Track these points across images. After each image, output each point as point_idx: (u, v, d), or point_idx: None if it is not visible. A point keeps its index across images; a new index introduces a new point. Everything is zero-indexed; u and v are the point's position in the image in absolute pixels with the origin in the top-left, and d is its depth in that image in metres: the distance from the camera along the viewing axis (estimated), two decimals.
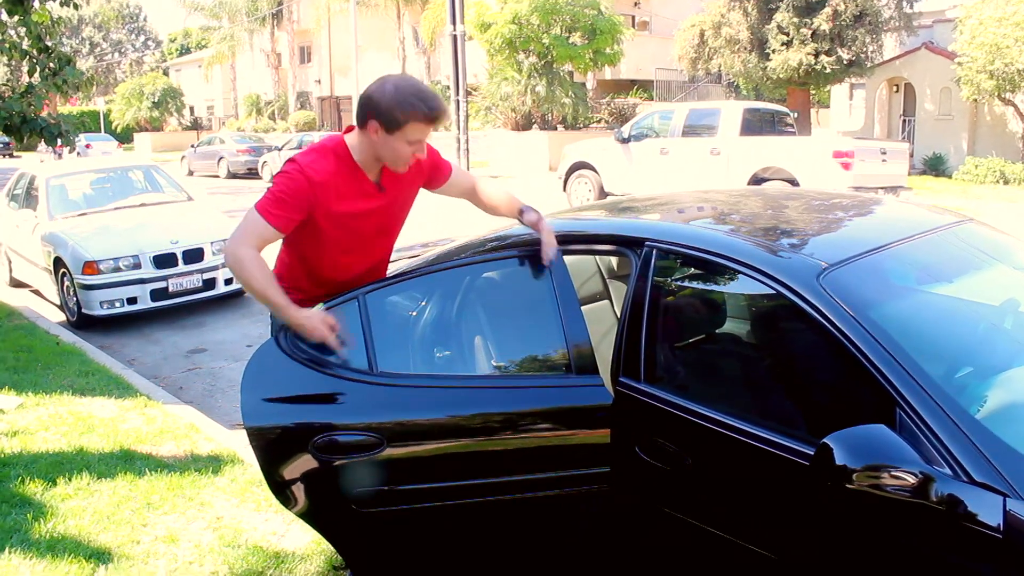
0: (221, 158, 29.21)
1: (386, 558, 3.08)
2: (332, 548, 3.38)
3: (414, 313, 3.24)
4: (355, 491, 2.87)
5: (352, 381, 2.88)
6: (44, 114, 9.35)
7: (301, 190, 2.77)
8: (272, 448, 2.94)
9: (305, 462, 2.88)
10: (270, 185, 2.86)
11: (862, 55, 21.98)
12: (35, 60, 9.05)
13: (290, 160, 2.86)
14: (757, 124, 14.45)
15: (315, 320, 2.81)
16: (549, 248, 2.88)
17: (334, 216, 2.86)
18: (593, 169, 15.87)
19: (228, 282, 8.78)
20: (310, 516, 3.07)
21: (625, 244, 2.89)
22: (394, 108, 2.68)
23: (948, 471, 1.98)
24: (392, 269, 3.33)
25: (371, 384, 2.87)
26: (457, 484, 2.82)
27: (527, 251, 2.97)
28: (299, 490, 2.96)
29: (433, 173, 3.14)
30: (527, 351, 3.13)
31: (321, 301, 2.98)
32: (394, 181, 2.96)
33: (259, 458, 2.95)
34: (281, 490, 2.99)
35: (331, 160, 2.85)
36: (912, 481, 1.94)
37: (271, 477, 2.97)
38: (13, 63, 11.69)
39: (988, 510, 1.92)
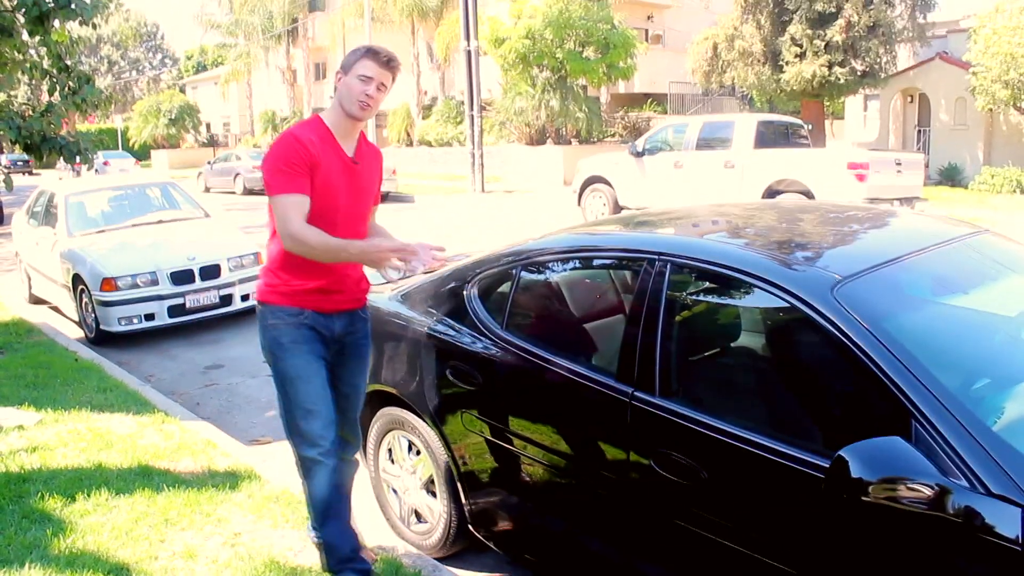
0: (237, 174, 29.34)
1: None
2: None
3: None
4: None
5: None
6: (63, 132, 9.44)
7: (294, 148, 3.02)
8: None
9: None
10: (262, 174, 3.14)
11: (876, 66, 21.90)
12: (55, 79, 9.15)
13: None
14: (771, 136, 14.40)
15: (383, 250, 3.07)
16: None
17: (317, 178, 3.06)
18: (607, 183, 15.86)
19: (244, 298, 8.81)
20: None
21: (640, 258, 2.89)
22: (348, 56, 3.16)
23: (965, 483, 1.97)
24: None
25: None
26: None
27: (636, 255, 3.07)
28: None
29: (380, 180, 3.46)
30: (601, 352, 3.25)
31: (302, 294, 3.18)
32: (365, 157, 3.24)
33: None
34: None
35: (311, 127, 3.15)
36: (929, 493, 1.94)
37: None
38: (34, 83, 11.83)
39: (1006, 522, 1.91)
